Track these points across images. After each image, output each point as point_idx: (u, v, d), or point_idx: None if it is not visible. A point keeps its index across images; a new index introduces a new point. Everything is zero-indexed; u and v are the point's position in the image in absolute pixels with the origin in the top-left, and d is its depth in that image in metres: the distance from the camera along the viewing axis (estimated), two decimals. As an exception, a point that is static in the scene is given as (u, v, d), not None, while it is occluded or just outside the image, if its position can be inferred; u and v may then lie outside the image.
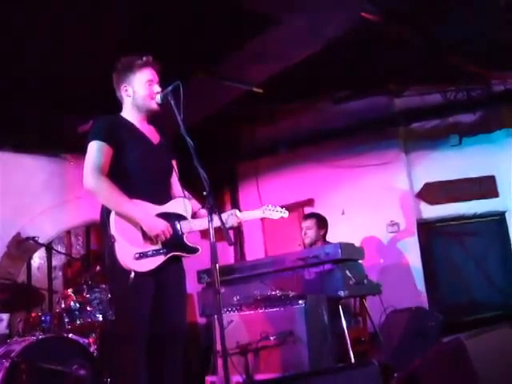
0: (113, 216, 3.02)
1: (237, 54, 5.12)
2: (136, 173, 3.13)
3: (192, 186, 3.35)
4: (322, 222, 5.50)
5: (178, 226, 3.17)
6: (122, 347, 3.06)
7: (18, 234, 5.76)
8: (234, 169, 7.74)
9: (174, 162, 3.37)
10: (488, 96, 6.41)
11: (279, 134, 7.07)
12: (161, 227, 3.04)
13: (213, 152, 5.70)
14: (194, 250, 3.19)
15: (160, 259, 3.07)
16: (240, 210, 3.41)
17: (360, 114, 6.59)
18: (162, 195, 3.21)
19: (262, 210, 3.52)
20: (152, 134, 3.29)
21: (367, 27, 4.88)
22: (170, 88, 3.08)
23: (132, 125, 3.22)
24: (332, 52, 5.15)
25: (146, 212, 3.06)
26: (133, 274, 2.97)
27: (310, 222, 5.48)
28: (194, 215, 3.27)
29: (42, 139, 6.06)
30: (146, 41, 4.35)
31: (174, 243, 3.13)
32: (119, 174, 3.09)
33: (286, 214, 3.60)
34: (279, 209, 3.58)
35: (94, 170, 3.02)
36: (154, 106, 3.20)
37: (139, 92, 3.20)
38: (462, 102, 6.45)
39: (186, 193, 3.32)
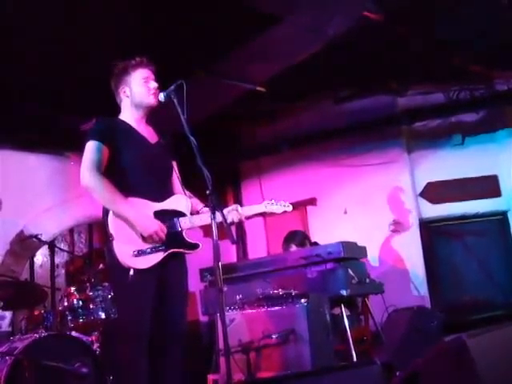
0: (111, 214, 3.04)
1: (238, 53, 5.11)
2: (133, 172, 3.16)
3: (194, 185, 3.37)
4: (303, 241, 5.37)
5: (177, 223, 3.17)
6: (123, 346, 3.07)
7: (21, 231, 5.76)
8: (236, 168, 7.73)
9: (173, 163, 3.39)
10: (491, 95, 6.40)
11: (281, 133, 7.06)
12: (154, 228, 3.04)
13: (215, 151, 5.69)
14: (194, 246, 3.20)
15: (159, 256, 3.08)
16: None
17: (362, 113, 6.58)
18: (161, 193, 3.22)
19: (264, 204, 3.45)
20: (150, 135, 3.33)
21: (369, 26, 4.87)
22: (173, 86, 3.09)
23: (129, 126, 3.27)
24: (334, 51, 5.14)
25: (139, 212, 3.06)
26: (132, 272, 2.98)
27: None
28: (196, 214, 3.27)
29: (44, 137, 6.06)
30: (147, 40, 4.36)
31: (173, 240, 3.13)
32: (117, 173, 3.13)
33: (289, 207, 3.52)
34: (283, 203, 3.49)
35: (91, 167, 3.06)
36: (151, 100, 3.23)
37: (136, 89, 3.26)
38: (465, 102, 6.44)
39: (187, 192, 3.34)
